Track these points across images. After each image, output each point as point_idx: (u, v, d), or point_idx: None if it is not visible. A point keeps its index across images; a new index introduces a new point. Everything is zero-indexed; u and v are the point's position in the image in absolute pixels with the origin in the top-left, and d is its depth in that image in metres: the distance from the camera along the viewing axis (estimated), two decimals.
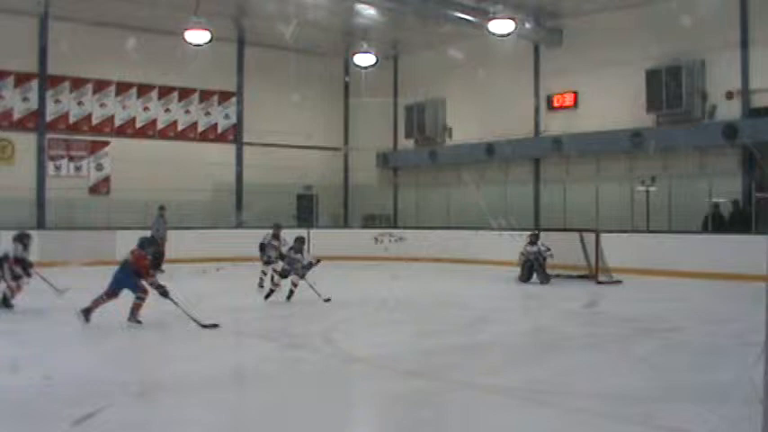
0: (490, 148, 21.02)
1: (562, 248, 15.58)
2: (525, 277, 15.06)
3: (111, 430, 5.26)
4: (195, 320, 9.28)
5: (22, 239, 11.23)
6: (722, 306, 12.22)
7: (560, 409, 5.78)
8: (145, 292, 9.53)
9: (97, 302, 9.45)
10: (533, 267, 14.99)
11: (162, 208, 18.21)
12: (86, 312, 9.36)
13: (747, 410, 4.74)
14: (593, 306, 11.99)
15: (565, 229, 17.45)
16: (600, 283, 14.87)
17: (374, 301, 12.39)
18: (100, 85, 21.12)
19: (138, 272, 9.51)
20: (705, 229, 16.59)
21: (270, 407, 5.94)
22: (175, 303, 9.48)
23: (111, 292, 9.52)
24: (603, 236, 15.28)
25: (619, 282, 14.91)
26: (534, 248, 14.99)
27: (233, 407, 5.96)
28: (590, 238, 15.48)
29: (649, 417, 5.45)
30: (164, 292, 9.48)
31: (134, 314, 9.43)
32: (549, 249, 15.00)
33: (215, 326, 9.30)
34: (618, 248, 15.36)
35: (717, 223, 16.48)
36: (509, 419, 5.63)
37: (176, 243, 18.54)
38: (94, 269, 16.66)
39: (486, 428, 5.45)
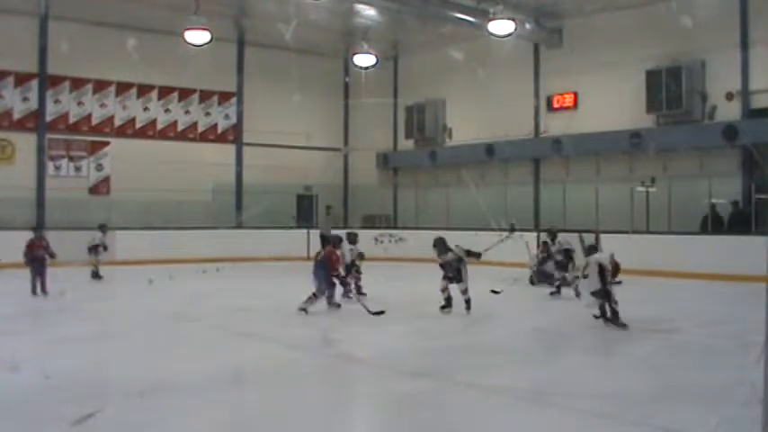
0: (490, 149, 21.03)
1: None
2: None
3: (111, 430, 5.27)
4: (366, 308, 10.36)
5: (102, 228, 15.64)
6: (722, 307, 12.22)
7: (561, 410, 5.79)
8: (332, 285, 11.03)
9: (311, 300, 10.67)
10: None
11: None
12: (304, 310, 10.58)
13: (747, 411, 4.74)
14: (592, 306, 11.97)
15: (565, 230, 17.44)
16: None
17: (374, 302, 12.38)
18: (100, 85, 21.12)
19: (329, 267, 10.90)
20: (704, 229, 16.59)
21: (270, 407, 5.94)
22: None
23: (319, 290, 10.80)
24: (603, 236, 15.27)
25: (618, 282, 14.88)
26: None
27: (233, 406, 5.96)
28: (590, 238, 15.46)
29: (649, 417, 5.45)
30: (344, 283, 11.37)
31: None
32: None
33: (382, 312, 10.27)
34: (618, 249, 15.32)
35: (716, 224, 16.49)
36: (510, 420, 5.63)
37: (176, 243, 18.55)
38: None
39: (487, 429, 5.46)
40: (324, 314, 10.87)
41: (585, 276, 9.68)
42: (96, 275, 15.56)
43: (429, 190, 23.49)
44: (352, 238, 12.72)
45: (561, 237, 14.17)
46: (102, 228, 15.93)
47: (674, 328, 9.99)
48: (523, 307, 12.57)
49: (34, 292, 12.49)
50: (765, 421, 3.66)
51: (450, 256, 10.78)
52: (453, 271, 10.76)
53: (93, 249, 15.48)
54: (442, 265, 10.94)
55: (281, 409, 5.87)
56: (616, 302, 9.43)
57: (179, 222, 20.49)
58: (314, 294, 10.78)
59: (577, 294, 11.94)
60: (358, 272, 12.50)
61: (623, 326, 9.26)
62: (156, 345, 8.76)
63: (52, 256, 12.87)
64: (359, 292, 12.20)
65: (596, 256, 9.94)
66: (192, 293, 13.58)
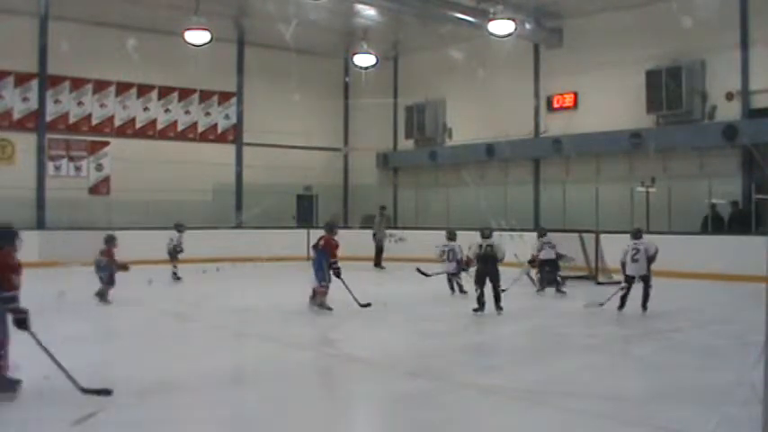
0: (490, 149, 21.02)
1: (562, 249, 15.54)
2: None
3: (111, 430, 5.27)
4: (356, 299, 10.80)
5: (179, 228, 15.81)
6: (722, 306, 12.23)
7: (560, 410, 5.79)
8: (330, 278, 11.01)
9: (323, 292, 10.93)
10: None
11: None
12: (325, 307, 10.85)
13: (747, 411, 4.74)
14: (592, 306, 11.98)
15: (565, 230, 17.45)
16: (600, 283, 14.85)
17: (374, 302, 12.38)
18: (100, 85, 21.12)
19: (329, 254, 11.02)
20: (705, 230, 16.59)
21: (270, 407, 5.94)
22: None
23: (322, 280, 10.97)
24: (603, 236, 15.27)
25: (619, 282, 14.88)
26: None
27: (233, 406, 5.96)
28: (590, 238, 15.48)
29: (649, 417, 5.45)
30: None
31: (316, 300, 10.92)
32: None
33: (369, 305, 10.88)
34: (618, 249, 15.32)
35: (716, 224, 16.49)
36: (509, 420, 5.63)
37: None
38: (94, 269, 16.68)
39: (486, 429, 5.46)
40: (324, 315, 10.87)
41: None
42: (176, 277, 15.48)
43: (429, 190, 23.49)
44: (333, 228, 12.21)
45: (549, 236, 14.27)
46: (180, 227, 15.90)
47: (674, 328, 9.99)
48: (523, 307, 12.56)
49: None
50: (765, 421, 3.66)
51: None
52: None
53: (174, 251, 15.49)
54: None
55: (281, 409, 5.88)
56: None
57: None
58: (314, 290, 10.98)
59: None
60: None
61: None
62: (157, 345, 8.77)
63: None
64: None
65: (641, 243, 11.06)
66: (192, 293, 13.58)
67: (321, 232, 17.03)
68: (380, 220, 20.25)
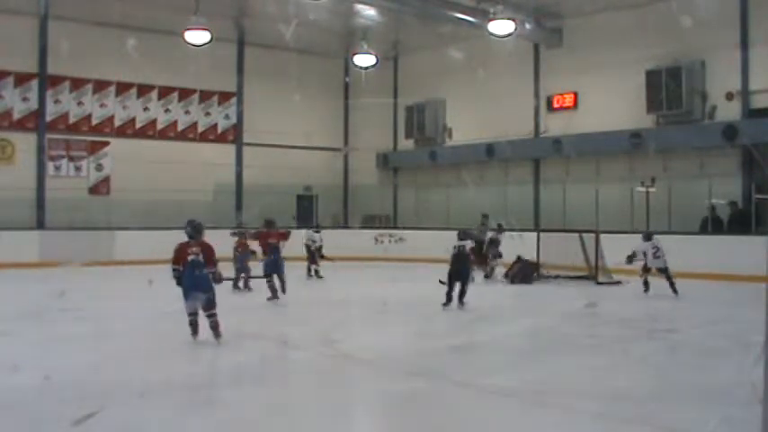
0: (490, 149, 21.02)
1: (562, 249, 15.56)
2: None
3: (111, 430, 5.27)
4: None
5: (317, 228, 16.84)
6: (722, 307, 12.22)
7: (560, 410, 5.78)
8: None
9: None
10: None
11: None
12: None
13: (747, 411, 4.74)
14: (592, 306, 11.98)
15: (565, 230, 17.45)
16: (600, 283, 14.87)
17: (374, 302, 12.39)
18: (100, 85, 21.12)
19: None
20: (704, 230, 16.57)
21: (270, 407, 5.94)
22: None
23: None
24: (603, 236, 15.27)
25: (618, 282, 14.91)
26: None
27: (233, 407, 5.96)
28: (590, 238, 15.47)
29: (649, 417, 5.45)
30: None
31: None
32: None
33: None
34: (618, 249, 15.34)
35: (716, 224, 16.48)
36: (509, 420, 5.63)
37: (176, 243, 18.50)
38: (94, 269, 16.72)
39: (486, 429, 5.46)
40: (324, 314, 10.88)
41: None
42: (318, 274, 16.01)
43: (429, 190, 23.49)
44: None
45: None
46: (318, 228, 16.71)
47: (674, 328, 9.99)
48: (523, 307, 12.57)
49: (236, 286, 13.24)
50: (765, 421, 3.65)
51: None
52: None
53: (315, 250, 16.07)
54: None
55: (281, 409, 5.87)
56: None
57: (179, 222, 20.41)
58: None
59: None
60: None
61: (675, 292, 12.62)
62: (156, 345, 8.76)
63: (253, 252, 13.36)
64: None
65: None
66: None
67: (322, 232, 17.15)
68: (483, 230, 18.29)
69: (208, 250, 8.46)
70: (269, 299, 11.84)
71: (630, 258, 13.39)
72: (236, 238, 13.52)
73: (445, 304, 11.34)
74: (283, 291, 11.95)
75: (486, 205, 19.23)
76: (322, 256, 16.32)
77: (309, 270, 16.13)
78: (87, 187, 20.88)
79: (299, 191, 23.93)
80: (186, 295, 8.22)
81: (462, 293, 11.44)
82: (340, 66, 25.08)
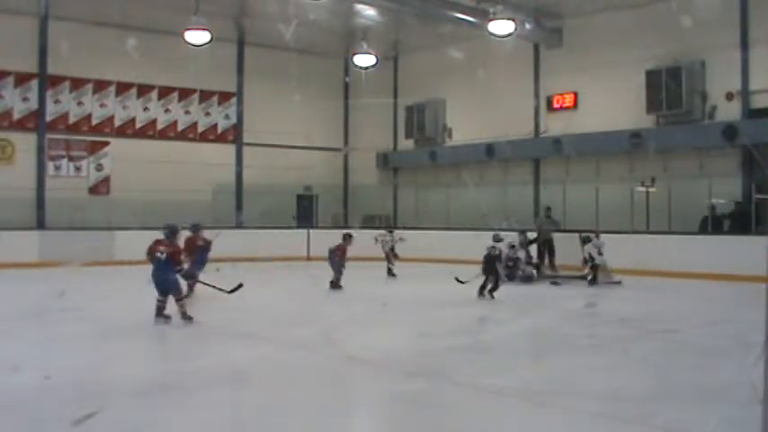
0: (490, 149, 21.02)
1: (562, 249, 15.56)
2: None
3: (111, 430, 5.27)
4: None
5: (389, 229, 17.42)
6: (722, 306, 12.22)
7: (560, 410, 5.78)
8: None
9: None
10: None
11: None
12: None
13: (747, 411, 4.74)
14: (592, 306, 11.99)
15: (565, 230, 17.46)
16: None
17: (374, 302, 12.39)
18: (100, 85, 21.13)
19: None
20: (703, 230, 16.57)
21: (270, 407, 5.94)
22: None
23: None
24: (603, 236, 15.26)
25: (618, 282, 14.91)
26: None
27: (233, 407, 5.96)
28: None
29: (649, 417, 5.45)
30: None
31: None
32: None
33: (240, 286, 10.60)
34: (618, 249, 15.36)
35: (716, 224, 16.48)
36: (509, 420, 5.63)
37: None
38: (94, 269, 16.72)
39: (486, 429, 5.46)
40: (324, 314, 10.88)
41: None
42: (391, 273, 16.58)
43: (429, 190, 23.49)
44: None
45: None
46: (391, 229, 17.39)
47: (674, 328, 9.98)
48: (523, 307, 12.57)
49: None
50: (765, 421, 3.65)
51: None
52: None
53: (389, 250, 16.66)
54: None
55: (281, 409, 5.87)
56: None
57: (179, 222, 20.41)
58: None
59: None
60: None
61: None
62: (157, 345, 8.77)
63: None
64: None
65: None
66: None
67: (321, 232, 17.15)
68: (549, 222, 18.05)
69: (174, 251, 9.71)
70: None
71: (588, 261, 14.44)
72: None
73: (480, 293, 12.43)
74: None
75: (486, 205, 19.23)
76: (395, 256, 16.79)
77: (389, 270, 16.70)
78: (87, 187, 20.89)
79: (299, 191, 23.93)
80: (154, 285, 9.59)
81: (494, 288, 12.47)
82: (340, 66, 25.08)
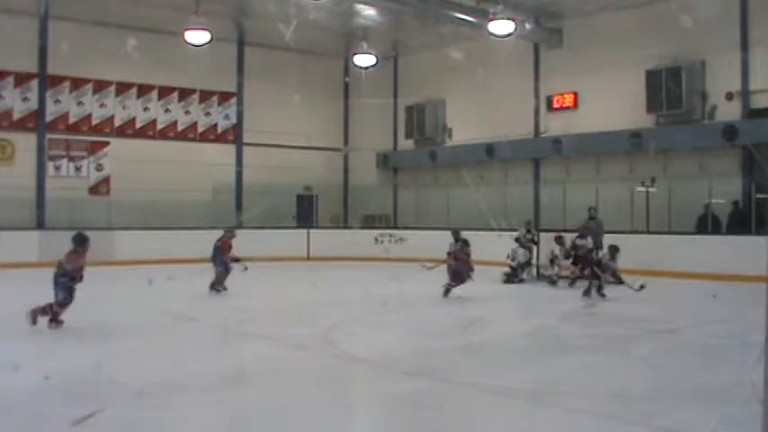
0: (490, 149, 21.03)
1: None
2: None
3: (111, 430, 5.27)
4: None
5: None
6: (722, 307, 12.21)
7: (560, 410, 5.79)
8: None
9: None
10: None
11: None
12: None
13: (747, 411, 4.74)
14: (592, 306, 11.99)
15: (565, 230, 17.43)
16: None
17: (374, 302, 12.39)
18: (100, 85, 21.13)
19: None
20: (700, 229, 16.54)
21: (270, 407, 5.94)
22: None
23: None
24: (606, 237, 15.25)
25: (621, 282, 14.88)
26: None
27: (233, 407, 5.96)
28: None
29: (649, 417, 5.45)
30: None
31: None
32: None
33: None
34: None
35: (714, 224, 16.48)
36: (509, 420, 5.63)
37: (176, 243, 18.55)
38: (94, 269, 16.69)
39: (486, 429, 5.46)
40: (324, 314, 10.88)
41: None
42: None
43: (429, 190, 23.49)
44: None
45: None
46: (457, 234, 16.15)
47: (674, 328, 9.99)
48: (523, 307, 12.57)
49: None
50: (765, 421, 3.66)
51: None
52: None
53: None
54: None
55: (281, 409, 5.87)
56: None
57: (179, 222, 20.47)
58: None
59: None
60: None
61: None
62: (156, 345, 8.77)
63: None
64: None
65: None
66: (191, 293, 13.58)
67: (321, 233, 17.14)
68: (594, 225, 15.82)
69: (67, 260, 9.85)
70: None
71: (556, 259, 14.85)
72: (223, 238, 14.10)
73: (586, 294, 12.62)
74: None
75: (485, 205, 19.22)
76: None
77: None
78: (87, 187, 20.88)
79: (299, 191, 23.93)
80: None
81: (600, 287, 12.55)
82: (340, 66, 25.08)
